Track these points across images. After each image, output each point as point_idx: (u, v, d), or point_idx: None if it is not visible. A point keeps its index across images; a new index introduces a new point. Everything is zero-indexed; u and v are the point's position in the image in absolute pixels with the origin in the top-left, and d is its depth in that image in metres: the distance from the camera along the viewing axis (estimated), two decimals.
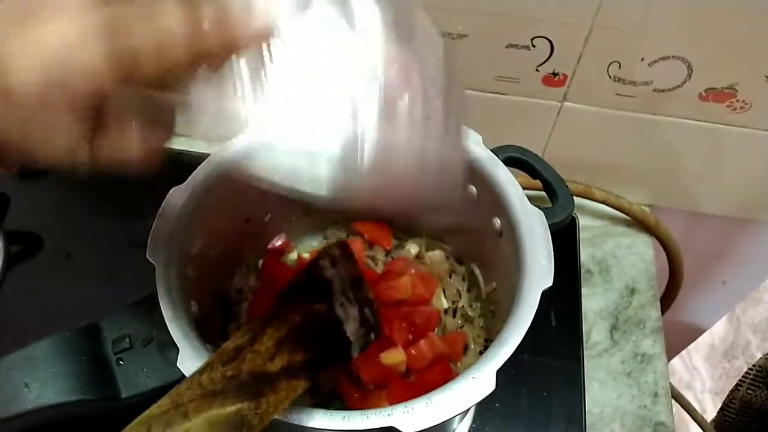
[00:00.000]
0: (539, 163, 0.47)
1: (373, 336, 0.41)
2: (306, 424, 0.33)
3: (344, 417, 0.34)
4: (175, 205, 0.42)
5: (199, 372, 0.33)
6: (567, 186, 0.45)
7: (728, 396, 0.91)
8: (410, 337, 0.50)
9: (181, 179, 0.44)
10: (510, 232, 0.43)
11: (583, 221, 0.78)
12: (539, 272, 0.39)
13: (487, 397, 0.58)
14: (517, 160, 0.47)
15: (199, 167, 0.44)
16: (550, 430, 0.58)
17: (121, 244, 0.69)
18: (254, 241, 0.55)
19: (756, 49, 0.58)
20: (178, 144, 0.86)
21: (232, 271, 0.53)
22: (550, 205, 0.46)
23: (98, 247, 0.73)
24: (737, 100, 0.63)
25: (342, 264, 0.41)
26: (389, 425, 0.33)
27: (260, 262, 0.57)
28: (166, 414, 0.30)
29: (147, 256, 0.39)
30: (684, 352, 1.29)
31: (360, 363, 0.48)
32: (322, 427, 0.33)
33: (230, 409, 0.31)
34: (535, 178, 0.47)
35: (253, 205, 0.51)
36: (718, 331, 1.39)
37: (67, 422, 0.38)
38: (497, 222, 0.46)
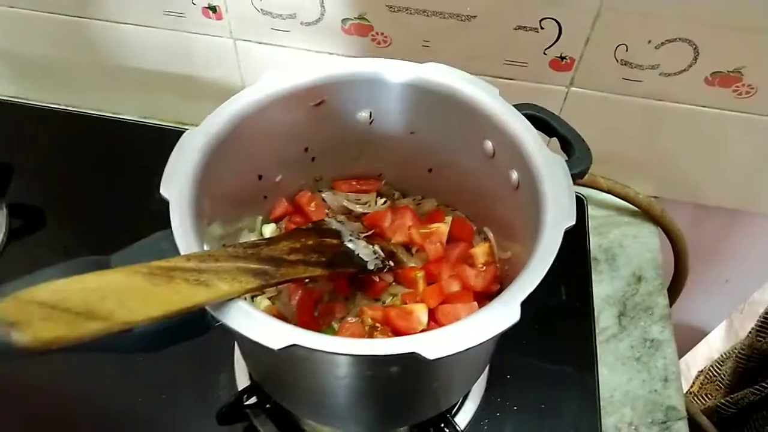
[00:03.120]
0: (555, 120, 0.47)
1: (391, 263, 0.46)
2: (330, 350, 0.32)
3: (366, 342, 0.32)
4: (189, 145, 0.41)
5: (224, 246, 0.38)
6: (584, 140, 0.45)
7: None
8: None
9: None
10: (529, 182, 0.42)
11: (589, 210, 0.78)
12: (561, 213, 0.38)
13: (498, 368, 0.58)
14: (532, 117, 0.46)
15: (213, 113, 0.44)
16: (563, 404, 0.57)
17: (124, 229, 0.68)
18: (264, 204, 0.54)
19: (762, 31, 0.59)
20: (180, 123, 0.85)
21: (239, 229, 0.52)
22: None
23: (102, 227, 0.71)
24: (743, 85, 0.64)
25: (348, 223, 0.48)
26: (412, 351, 0.32)
27: (266, 228, 0.55)
28: (201, 256, 0.35)
29: (160, 190, 0.38)
30: (682, 363, 1.27)
31: None
32: (343, 352, 0.32)
33: (254, 266, 0.36)
34: (551, 136, 0.47)
35: (266, 163, 0.50)
36: (716, 344, 1.37)
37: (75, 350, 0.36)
38: (514, 175, 0.45)
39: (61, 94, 0.87)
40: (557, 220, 0.38)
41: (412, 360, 0.32)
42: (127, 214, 0.70)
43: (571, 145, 0.45)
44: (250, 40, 0.73)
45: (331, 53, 0.72)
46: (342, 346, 0.32)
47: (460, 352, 0.32)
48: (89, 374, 0.58)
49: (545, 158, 0.42)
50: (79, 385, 0.58)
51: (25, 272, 0.60)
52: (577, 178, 0.43)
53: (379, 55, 0.70)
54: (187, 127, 0.85)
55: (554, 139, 0.48)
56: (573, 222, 0.38)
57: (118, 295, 0.28)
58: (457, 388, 0.48)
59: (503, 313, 0.34)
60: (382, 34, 0.68)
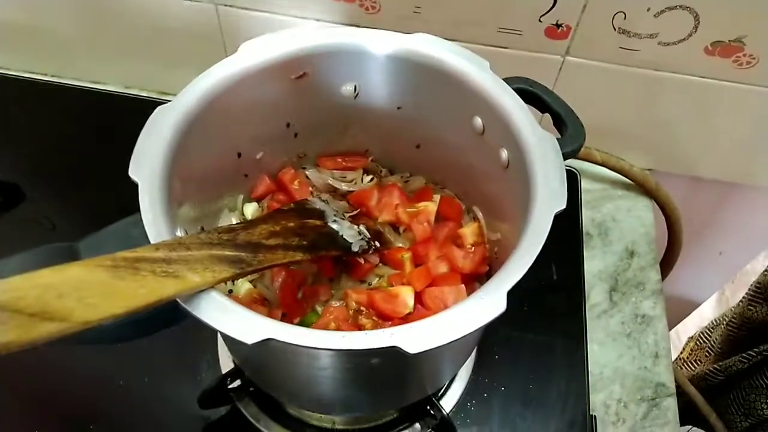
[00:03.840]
0: (548, 94, 0.44)
1: (377, 244, 0.45)
2: (305, 344, 0.31)
3: (343, 336, 0.31)
4: (161, 122, 0.39)
5: (197, 232, 0.35)
6: (577, 117, 0.43)
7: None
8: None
9: None
10: (519, 161, 0.41)
11: (582, 184, 0.76)
12: (551, 195, 0.37)
13: (486, 347, 0.57)
14: (524, 91, 0.44)
15: (186, 88, 0.41)
16: (552, 384, 0.56)
17: (104, 202, 0.66)
18: (244, 182, 0.52)
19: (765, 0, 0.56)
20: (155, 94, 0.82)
21: (219, 209, 0.50)
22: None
23: (80, 206, 0.69)
24: (744, 55, 0.61)
25: (332, 202, 0.46)
26: (392, 345, 0.31)
27: (247, 207, 0.53)
28: (171, 244, 0.33)
29: (129, 173, 0.36)
30: (673, 332, 1.27)
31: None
32: (320, 347, 0.31)
33: (229, 253, 0.34)
34: (543, 111, 0.45)
35: (245, 139, 0.48)
36: (707, 312, 1.37)
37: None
38: (504, 153, 0.43)
39: (40, 63, 0.83)
40: (547, 203, 0.36)
41: (393, 352, 0.31)
42: (108, 189, 0.68)
43: (564, 122, 0.43)
44: (232, 6, 0.70)
45: (317, 20, 0.69)
46: (319, 340, 0.31)
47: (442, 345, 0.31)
48: (68, 356, 0.56)
49: (536, 136, 0.40)
50: (59, 367, 0.56)
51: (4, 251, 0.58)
52: (569, 156, 0.41)
53: (367, 21, 0.67)
54: (169, 98, 0.83)
55: (547, 114, 0.46)
56: (563, 206, 0.36)
57: (77, 291, 0.27)
58: (443, 374, 0.47)
59: (488, 304, 0.32)
60: None
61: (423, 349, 0.31)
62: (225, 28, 0.73)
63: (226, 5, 0.70)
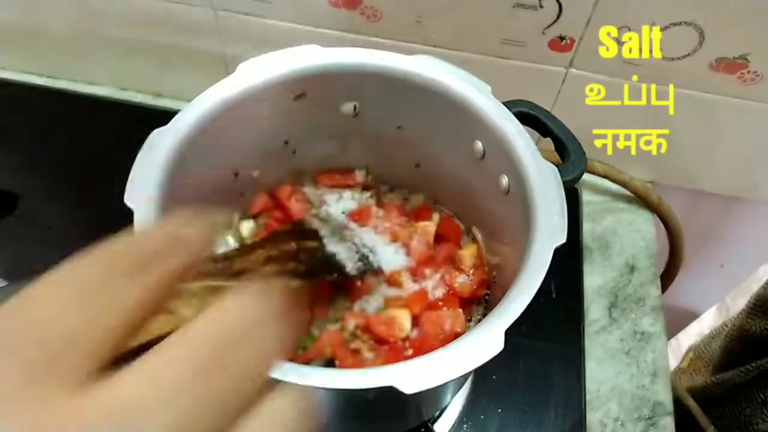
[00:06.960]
0: (550, 119, 0.44)
1: (373, 265, 0.44)
2: (299, 383, 0.30)
3: (342, 376, 0.31)
4: (158, 146, 0.38)
5: None
6: (579, 143, 0.43)
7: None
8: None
9: None
10: (519, 190, 0.40)
11: (583, 196, 0.75)
12: (552, 228, 0.36)
13: (482, 370, 0.57)
14: (526, 115, 0.44)
15: (183, 110, 0.41)
16: (549, 404, 0.56)
17: (100, 208, 0.65)
18: (240, 201, 0.51)
19: None
20: (155, 100, 0.82)
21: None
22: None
23: (76, 211, 0.69)
24: (748, 71, 0.60)
25: (330, 220, 0.45)
26: (388, 385, 0.30)
27: (243, 225, 0.53)
28: None
29: (125, 199, 0.36)
30: (673, 340, 1.27)
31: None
32: (315, 386, 0.30)
33: (225, 283, 0.33)
34: (545, 136, 0.44)
35: (242, 159, 0.48)
36: (707, 320, 1.37)
37: None
38: (504, 180, 0.43)
39: (36, 63, 0.83)
40: (547, 237, 0.36)
41: (389, 389, 0.31)
42: (105, 195, 0.67)
43: (566, 148, 0.42)
44: (230, 10, 0.69)
45: (317, 26, 0.68)
46: (313, 379, 0.30)
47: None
48: None
49: (537, 166, 0.39)
50: None
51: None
52: (570, 184, 0.41)
53: (369, 29, 0.66)
54: (164, 101, 0.82)
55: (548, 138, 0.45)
56: (563, 240, 0.36)
57: None
58: (441, 402, 0.47)
59: (485, 343, 0.32)
60: (372, 8, 0.64)
61: (419, 389, 0.30)
62: (224, 34, 0.72)
63: (225, 10, 0.69)
